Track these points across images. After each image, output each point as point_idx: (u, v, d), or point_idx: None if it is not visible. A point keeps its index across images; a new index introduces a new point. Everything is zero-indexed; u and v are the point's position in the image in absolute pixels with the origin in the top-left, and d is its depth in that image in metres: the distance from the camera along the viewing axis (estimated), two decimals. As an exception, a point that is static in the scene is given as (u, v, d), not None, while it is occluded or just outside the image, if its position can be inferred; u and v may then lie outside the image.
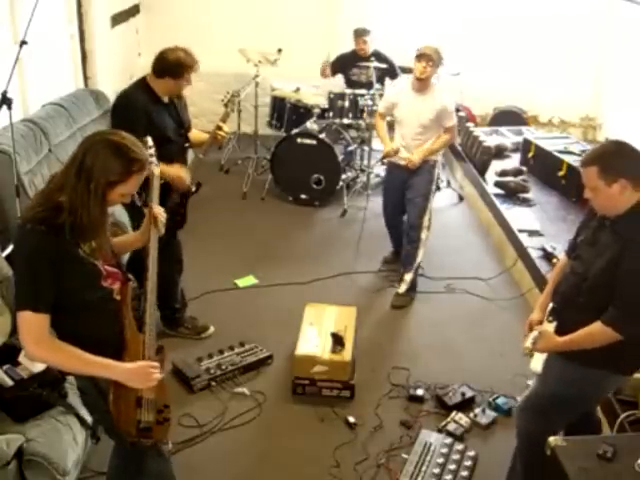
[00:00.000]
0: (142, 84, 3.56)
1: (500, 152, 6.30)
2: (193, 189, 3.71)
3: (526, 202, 5.41)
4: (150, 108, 3.48)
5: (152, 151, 2.52)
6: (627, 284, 2.32)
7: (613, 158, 2.34)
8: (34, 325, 1.99)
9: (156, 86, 3.52)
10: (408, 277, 4.53)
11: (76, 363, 2.07)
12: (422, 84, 4.34)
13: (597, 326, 2.38)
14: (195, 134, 3.88)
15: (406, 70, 6.15)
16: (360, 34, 6.21)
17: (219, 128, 3.72)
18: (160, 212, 2.43)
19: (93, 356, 2.05)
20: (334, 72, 6.46)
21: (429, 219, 4.55)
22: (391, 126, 4.91)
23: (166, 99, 3.59)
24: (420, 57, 4.27)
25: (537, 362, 2.84)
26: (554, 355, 2.60)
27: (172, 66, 3.44)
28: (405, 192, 4.54)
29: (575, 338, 2.43)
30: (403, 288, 4.55)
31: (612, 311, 2.35)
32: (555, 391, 2.60)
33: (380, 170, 6.47)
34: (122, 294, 2.21)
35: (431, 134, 4.43)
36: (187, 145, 3.77)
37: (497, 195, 5.55)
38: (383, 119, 4.78)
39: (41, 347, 2.02)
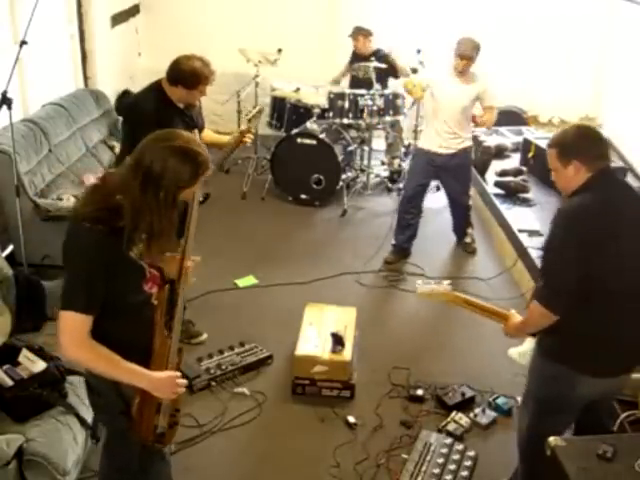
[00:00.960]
0: (156, 87, 3.47)
1: (500, 152, 6.30)
2: (201, 199, 3.65)
3: (526, 202, 5.41)
4: (160, 112, 3.37)
5: None
6: (545, 257, 2.39)
7: (570, 140, 2.42)
8: (79, 326, 1.95)
9: (169, 92, 3.43)
10: (471, 230, 5.25)
11: (110, 367, 2.03)
12: (462, 74, 4.62)
13: (532, 304, 2.40)
14: (208, 135, 3.79)
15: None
16: (355, 32, 6.21)
17: (242, 133, 3.61)
18: (191, 265, 2.30)
19: (126, 362, 2.03)
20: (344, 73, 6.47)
21: None
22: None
23: (181, 105, 3.50)
24: (461, 57, 4.55)
25: (515, 350, 2.87)
26: (535, 351, 2.61)
27: (186, 76, 3.31)
28: (446, 178, 4.97)
29: (525, 319, 2.48)
30: (470, 239, 5.24)
31: (537, 287, 2.40)
32: (534, 387, 2.61)
33: (380, 170, 6.49)
34: (159, 299, 2.16)
35: (469, 113, 4.73)
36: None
37: (497, 195, 5.55)
38: None
39: (81, 348, 1.98)
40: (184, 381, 2.17)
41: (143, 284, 2.08)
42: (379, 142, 6.57)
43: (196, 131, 3.75)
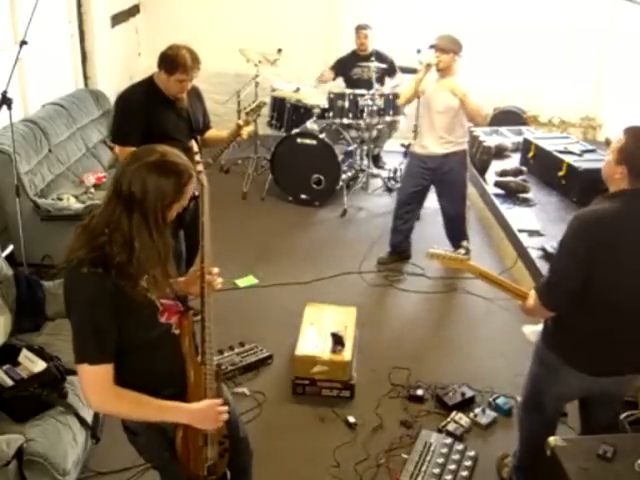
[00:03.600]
0: (148, 80, 3.56)
1: (500, 152, 6.29)
2: (196, 193, 3.66)
3: (526, 202, 5.40)
4: (149, 104, 3.46)
5: (198, 157, 2.22)
6: (555, 255, 2.45)
7: (633, 146, 2.35)
8: (99, 378, 1.83)
9: (158, 81, 3.51)
10: (465, 243, 4.64)
11: (144, 411, 1.91)
12: (443, 72, 4.48)
13: (533, 292, 2.47)
14: (214, 133, 3.81)
15: (406, 70, 6.16)
16: (361, 27, 6.25)
17: (239, 127, 3.61)
18: (215, 279, 2.15)
19: (159, 400, 1.91)
20: (335, 76, 6.47)
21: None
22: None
23: (177, 96, 3.54)
24: (432, 47, 4.43)
25: (529, 327, 2.93)
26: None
27: (167, 59, 3.42)
28: (438, 184, 4.78)
29: (532, 301, 2.50)
30: (463, 251, 4.73)
31: (541, 279, 2.48)
32: (532, 364, 2.68)
33: (381, 171, 6.49)
34: (181, 327, 2.02)
35: (459, 118, 4.55)
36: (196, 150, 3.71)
37: (497, 195, 5.53)
38: None
39: (107, 400, 1.86)
40: (225, 407, 2.03)
41: (158, 317, 1.95)
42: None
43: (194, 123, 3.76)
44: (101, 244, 1.82)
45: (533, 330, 2.86)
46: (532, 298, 2.50)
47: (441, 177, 4.70)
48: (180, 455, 2.01)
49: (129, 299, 1.84)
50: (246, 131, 3.63)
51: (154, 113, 3.45)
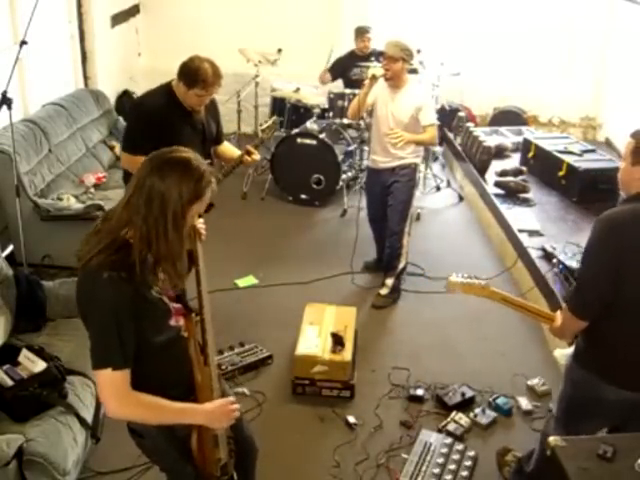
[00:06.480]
0: (166, 87, 3.45)
1: (500, 152, 6.30)
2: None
3: (526, 202, 5.41)
4: (164, 111, 3.36)
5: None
6: (581, 263, 2.33)
7: None
8: (119, 383, 1.82)
9: (177, 90, 3.40)
10: (389, 282, 4.51)
11: (162, 415, 1.93)
12: (393, 82, 4.22)
13: (563, 308, 2.37)
14: (226, 148, 3.76)
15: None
16: (363, 32, 6.23)
17: (248, 152, 3.57)
18: (201, 224, 2.24)
19: (174, 403, 1.92)
20: (334, 77, 6.46)
21: (410, 224, 4.48)
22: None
23: (194, 108, 3.45)
24: (380, 55, 4.26)
25: (560, 351, 2.80)
26: (571, 354, 2.55)
27: (188, 72, 3.29)
28: (387, 197, 4.44)
29: (560, 323, 2.41)
30: (385, 291, 4.52)
31: (569, 291, 2.40)
32: (564, 388, 2.55)
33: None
34: (188, 330, 2.03)
35: (408, 129, 4.22)
36: (208, 162, 3.64)
37: (497, 195, 5.55)
38: None
39: (128, 406, 1.85)
40: (237, 405, 2.06)
41: (169, 321, 1.96)
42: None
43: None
44: (121, 245, 1.82)
45: (564, 353, 2.76)
46: (559, 318, 2.41)
47: (388, 190, 4.42)
48: (196, 457, 2.03)
49: (146, 303, 1.86)
50: (253, 158, 3.61)
51: (170, 126, 3.34)
